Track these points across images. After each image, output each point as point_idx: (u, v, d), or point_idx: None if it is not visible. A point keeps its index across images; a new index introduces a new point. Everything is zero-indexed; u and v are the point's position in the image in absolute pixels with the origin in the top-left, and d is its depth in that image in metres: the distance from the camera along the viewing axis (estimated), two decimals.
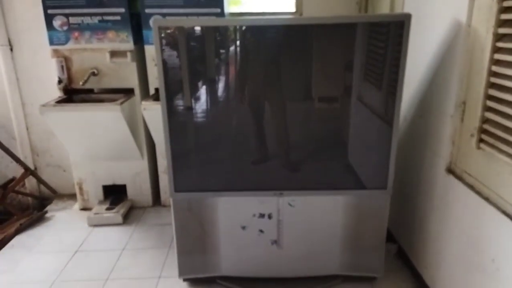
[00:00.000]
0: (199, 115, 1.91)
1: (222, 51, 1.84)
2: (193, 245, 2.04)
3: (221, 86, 1.87)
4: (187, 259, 2.06)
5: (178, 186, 1.91)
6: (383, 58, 1.74)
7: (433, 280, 1.94)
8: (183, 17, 2.53)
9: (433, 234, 1.92)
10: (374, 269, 2.08)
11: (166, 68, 1.74)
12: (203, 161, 1.95)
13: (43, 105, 2.52)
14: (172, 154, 1.85)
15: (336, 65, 1.83)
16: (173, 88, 1.80)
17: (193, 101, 1.85)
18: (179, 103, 1.85)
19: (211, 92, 1.86)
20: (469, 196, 1.58)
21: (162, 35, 1.71)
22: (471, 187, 1.57)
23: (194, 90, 1.83)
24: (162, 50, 1.71)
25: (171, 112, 1.80)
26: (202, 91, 1.86)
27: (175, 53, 1.76)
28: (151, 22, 2.50)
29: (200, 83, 1.87)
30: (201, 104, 1.88)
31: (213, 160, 1.94)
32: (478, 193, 1.52)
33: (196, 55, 1.81)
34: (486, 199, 1.47)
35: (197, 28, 1.79)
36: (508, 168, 1.36)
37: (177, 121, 1.85)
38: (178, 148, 1.86)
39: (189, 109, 1.86)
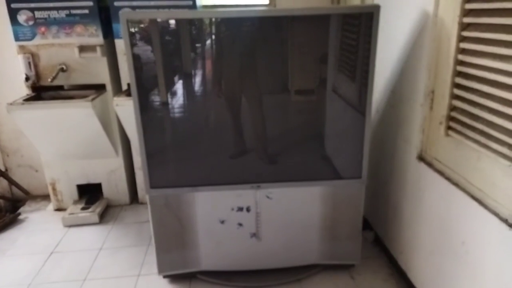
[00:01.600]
0: (173, 109, 1.88)
1: (195, 44, 1.81)
2: (172, 241, 2.02)
3: (194, 79, 1.84)
4: (166, 256, 2.04)
5: (154, 182, 1.88)
6: (355, 49, 1.76)
7: (407, 264, 2.00)
8: (153, 9, 2.47)
9: (406, 220, 1.98)
10: (352, 257, 2.12)
11: (136, 62, 1.70)
12: (179, 156, 1.93)
13: (10, 104, 2.42)
14: (146, 150, 1.82)
15: (310, 56, 1.83)
16: (145, 83, 1.76)
17: (165, 95, 1.82)
18: (151, 98, 1.82)
19: (184, 85, 1.84)
20: (439, 182, 1.62)
21: (132, 28, 1.66)
22: (441, 173, 1.62)
23: (166, 84, 1.80)
24: (131, 44, 1.67)
25: (143, 108, 1.77)
26: (174, 85, 1.83)
27: (145, 46, 1.72)
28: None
29: (171, 77, 1.83)
30: (175, 98, 1.85)
31: (189, 155, 1.92)
32: (448, 179, 1.57)
33: (167, 49, 1.77)
34: (456, 184, 1.52)
35: (168, 21, 1.75)
36: (475, 154, 1.41)
37: (150, 116, 1.81)
38: (152, 143, 1.83)
39: (162, 103, 1.83)
